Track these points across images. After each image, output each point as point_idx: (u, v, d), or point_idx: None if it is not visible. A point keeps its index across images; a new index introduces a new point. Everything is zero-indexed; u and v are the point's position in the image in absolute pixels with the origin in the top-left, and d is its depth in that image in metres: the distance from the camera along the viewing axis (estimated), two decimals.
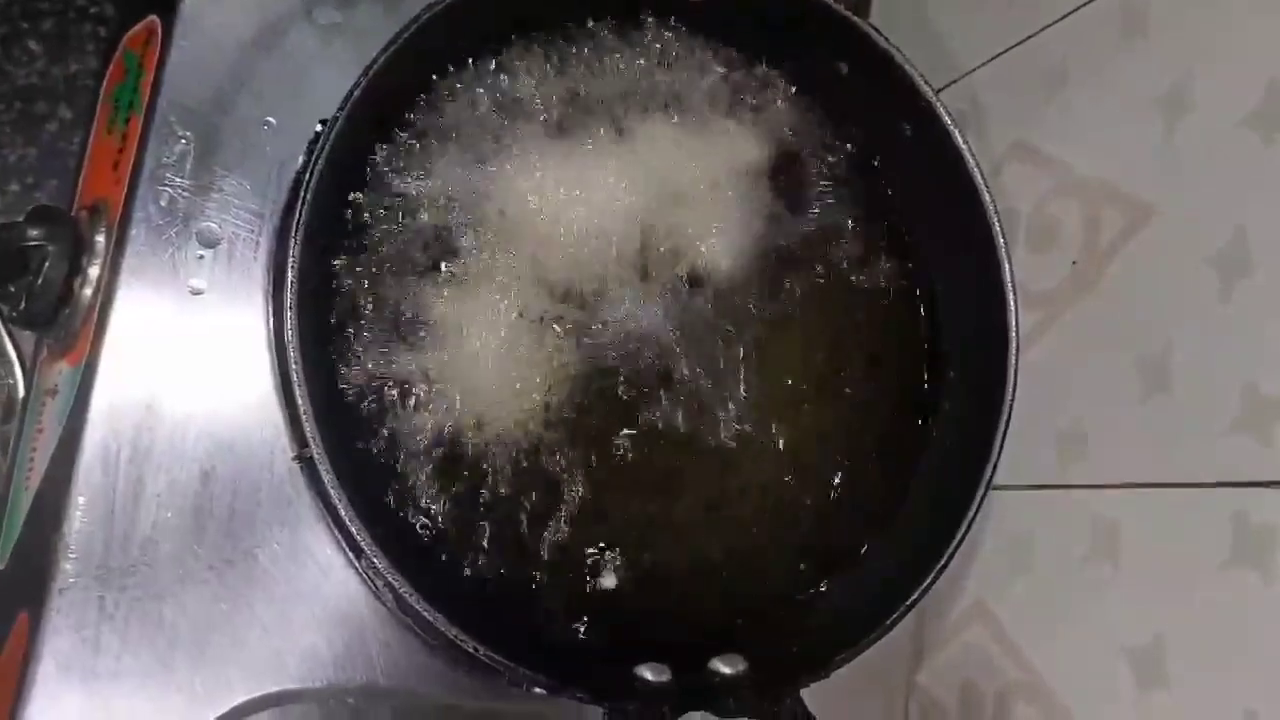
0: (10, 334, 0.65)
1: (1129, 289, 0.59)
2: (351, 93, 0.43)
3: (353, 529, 0.43)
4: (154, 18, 0.54)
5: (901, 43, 0.52)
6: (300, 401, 0.42)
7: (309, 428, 0.42)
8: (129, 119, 0.54)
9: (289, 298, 0.42)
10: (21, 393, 0.64)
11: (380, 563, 0.43)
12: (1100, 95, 0.63)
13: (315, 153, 0.43)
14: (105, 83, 0.59)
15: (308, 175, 0.42)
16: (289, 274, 0.42)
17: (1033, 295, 0.62)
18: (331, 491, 0.43)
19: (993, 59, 0.70)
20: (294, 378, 0.42)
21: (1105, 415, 0.58)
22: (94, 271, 0.51)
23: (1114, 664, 0.55)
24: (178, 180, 0.51)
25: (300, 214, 0.42)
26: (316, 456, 0.42)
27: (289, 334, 0.42)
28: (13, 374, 0.65)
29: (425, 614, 0.44)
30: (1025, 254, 0.64)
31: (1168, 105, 0.58)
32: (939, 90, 0.52)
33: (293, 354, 0.42)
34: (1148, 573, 0.54)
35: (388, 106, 0.48)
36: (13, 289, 0.52)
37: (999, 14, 0.71)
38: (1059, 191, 0.64)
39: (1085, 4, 0.64)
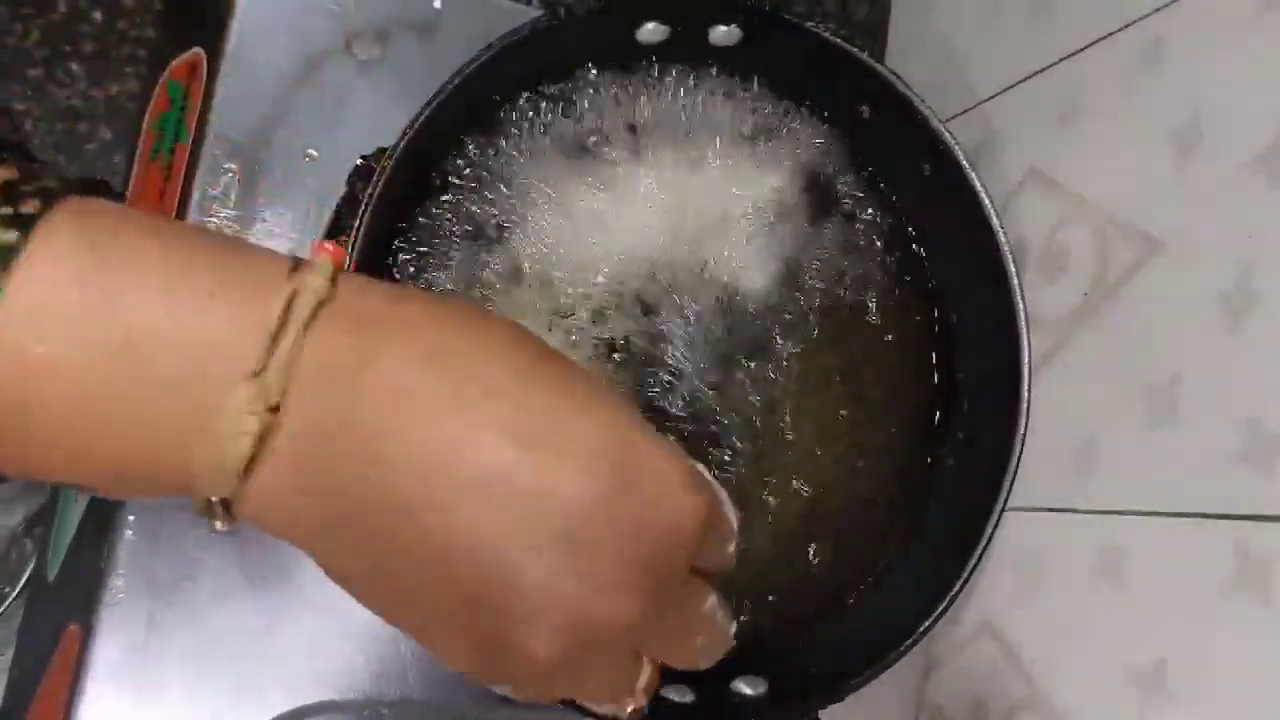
0: None
1: (1136, 320, 0.60)
2: (399, 143, 0.45)
3: None
4: (199, 51, 0.56)
5: (918, 70, 0.54)
6: None
7: None
8: (174, 149, 0.56)
9: None
10: None
11: None
12: (1113, 127, 0.64)
13: (370, 189, 0.45)
14: (149, 112, 0.61)
15: (361, 212, 0.44)
16: None
17: (1043, 323, 0.64)
18: None
19: (1010, 87, 0.72)
20: None
21: (1112, 443, 0.60)
22: None
23: (1118, 683, 0.57)
24: (224, 211, 0.54)
25: (352, 252, 0.44)
26: None
27: None
28: None
29: None
30: (1037, 281, 0.66)
31: (1180, 140, 0.60)
32: (953, 118, 0.54)
33: None
34: (1152, 597, 0.56)
35: (433, 148, 0.50)
36: None
37: (1017, 43, 0.72)
38: (1071, 221, 0.66)
39: (1104, 36, 0.66)
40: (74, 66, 0.69)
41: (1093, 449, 0.61)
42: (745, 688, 0.49)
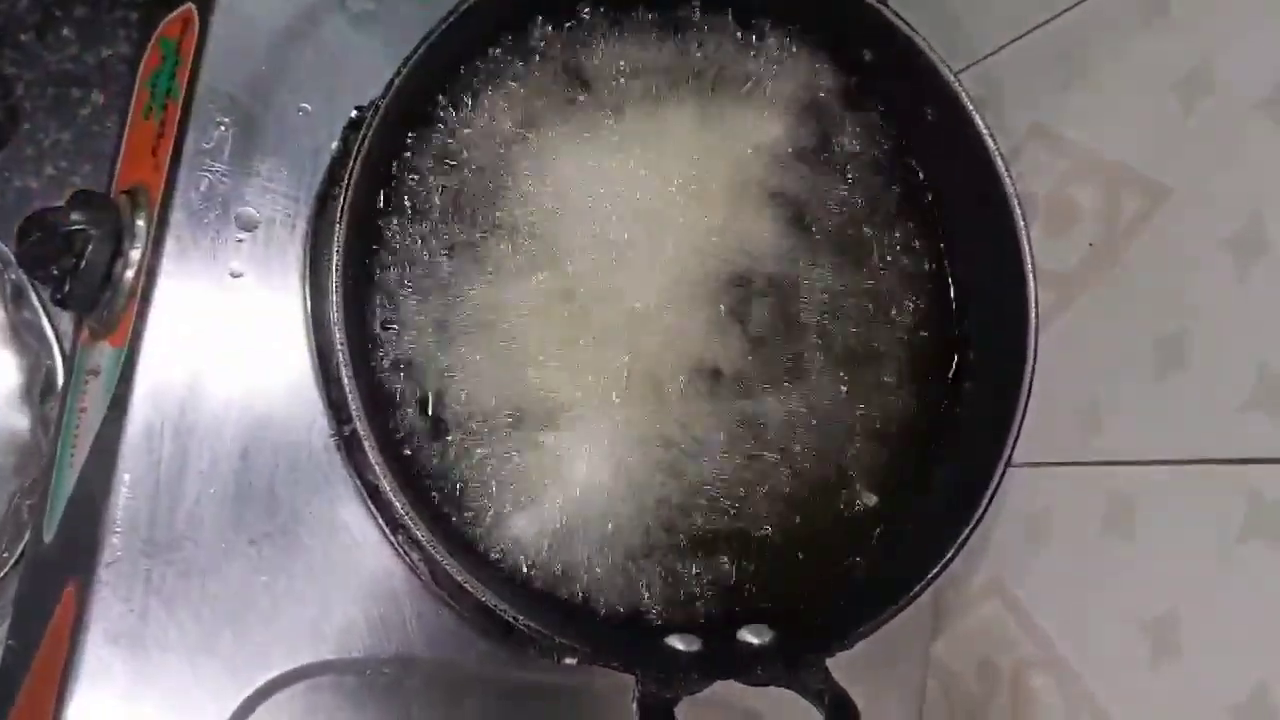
0: (49, 315, 0.67)
1: (1146, 270, 0.60)
2: (392, 82, 0.44)
3: (395, 503, 0.45)
4: (190, 6, 0.55)
5: (921, 25, 0.53)
6: (346, 381, 0.43)
7: (354, 406, 0.43)
8: (166, 105, 0.55)
9: (335, 282, 0.43)
10: (61, 374, 0.66)
11: (422, 534, 0.44)
12: (1119, 78, 0.64)
13: (360, 137, 0.44)
14: (141, 69, 0.60)
15: (352, 160, 0.44)
16: (335, 259, 0.43)
17: (1050, 276, 0.63)
18: (376, 466, 0.44)
19: (1012, 41, 0.71)
20: (340, 358, 0.43)
21: (1122, 393, 0.60)
22: (135, 255, 0.52)
23: (1128, 636, 0.56)
24: (217, 166, 0.53)
25: (344, 200, 0.43)
26: (362, 431, 0.43)
27: (335, 317, 0.43)
28: (51, 355, 0.67)
29: (466, 585, 0.45)
30: (1043, 235, 0.65)
31: (1186, 88, 0.59)
32: (958, 73, 0.53)
33: (339, 337, 0.43)
34: (1162, 547, 0.56)
35: (426, 93, 0.49)
36: (56, 272, 0.53)
37: None
38: (1077, 173, 0.65)
39: None
40: (65, 31, 0.69)
41: (1101, 400, 0.60)
42: (751, 637, 0.49)
